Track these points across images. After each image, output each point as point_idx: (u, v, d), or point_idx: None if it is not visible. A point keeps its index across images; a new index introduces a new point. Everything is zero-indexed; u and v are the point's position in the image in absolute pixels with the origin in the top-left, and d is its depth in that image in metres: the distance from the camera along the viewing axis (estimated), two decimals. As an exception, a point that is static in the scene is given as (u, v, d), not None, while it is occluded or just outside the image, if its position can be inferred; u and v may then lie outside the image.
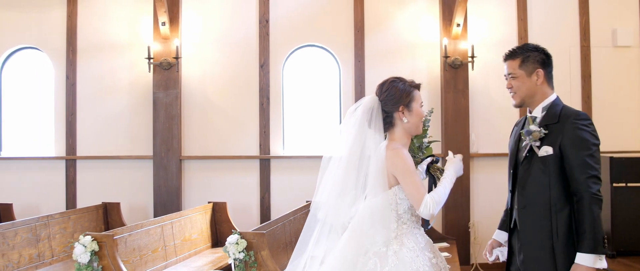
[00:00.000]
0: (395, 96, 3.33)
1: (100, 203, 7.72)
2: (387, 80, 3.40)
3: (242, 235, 4.98)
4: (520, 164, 3.40)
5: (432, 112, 3.71)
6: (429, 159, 3.48)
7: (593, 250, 3.10)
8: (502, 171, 7.45)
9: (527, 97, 3.41)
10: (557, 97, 3.40)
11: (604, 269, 3.17)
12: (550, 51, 3.51)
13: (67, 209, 8.23)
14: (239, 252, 4.86)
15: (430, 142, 3.68)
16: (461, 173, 3.43)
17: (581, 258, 3.12)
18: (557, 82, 3.53)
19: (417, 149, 3.53)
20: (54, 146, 8.49)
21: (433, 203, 3.15)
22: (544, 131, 3.28)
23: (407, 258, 3.21)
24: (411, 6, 8.38)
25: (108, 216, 7.67)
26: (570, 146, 3.18)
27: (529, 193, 3.32)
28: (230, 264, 4.99)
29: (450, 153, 3.51)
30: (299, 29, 8.46)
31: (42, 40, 8.53)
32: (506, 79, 3.49)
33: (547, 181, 3.23)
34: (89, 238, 4.94)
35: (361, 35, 8.36)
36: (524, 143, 3.40)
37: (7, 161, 8.50)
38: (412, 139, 3.50)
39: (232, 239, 4.91)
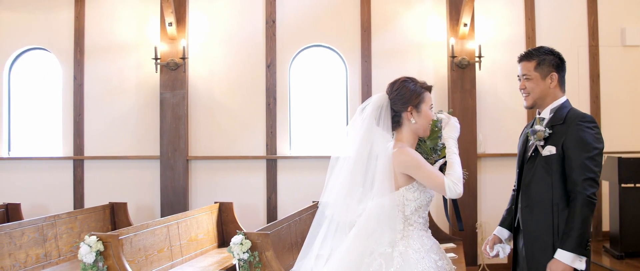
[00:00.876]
0: (405, 95, 3.32)
1: (107, 203, 7.75)
2: (399, 79, 3.40)
3: (247, 236, 4.97)
4: (526, 163, 3.44)
5: (451, 112, 3.68)
6: (442, 161, 3.45)
7: (574, 249, 3.15)
8: (509, 171, 7.42)
9: (539, 99, 3.44)
10: (567, 100, 3.44)
11: None
12: (558, 50, 3.52)
13: (74, 209, 8.27)
14: (244, 252, 4.86)
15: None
16: (459, 132, 3.41)
17: (561, 255, 3.17)
18: (566, 82, 3.53)
19: (431, 150, 3.50)
20: (62, 146, 8.54)
21: (453, 183, 3.16)
22: (548, 131, 3.32)
23: (412, 259, 3.20)
24: (418, 6, 8.35)
25: (115, 216, 7.69)
26: (571, 147, 3.23)
27: (532, 191, 3.36)
28: (235, 264, 4.99)
29: (442, 114, 3.46)
30: (306, 29, 8.45)
31: (50, 41, 8.58)
32: (519, 80, 3.51)
33: (550, 181, 3.28)
34: (94, 238, 4.95)
35: (368, 35, 8.35)
36: (530, 143, 3.43)
37: (15, 161, 8.55)
38: (425, 141, 3.49)
39: (236, 239, 4.91)
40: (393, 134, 3.38)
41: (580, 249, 3.14)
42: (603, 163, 7.91)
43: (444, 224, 7.88)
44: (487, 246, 3.67)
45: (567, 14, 8.39)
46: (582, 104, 8.13)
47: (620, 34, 8.40)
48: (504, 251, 3.63)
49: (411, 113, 3.32)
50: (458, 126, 3.44)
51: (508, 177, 7.57)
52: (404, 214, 3.27)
